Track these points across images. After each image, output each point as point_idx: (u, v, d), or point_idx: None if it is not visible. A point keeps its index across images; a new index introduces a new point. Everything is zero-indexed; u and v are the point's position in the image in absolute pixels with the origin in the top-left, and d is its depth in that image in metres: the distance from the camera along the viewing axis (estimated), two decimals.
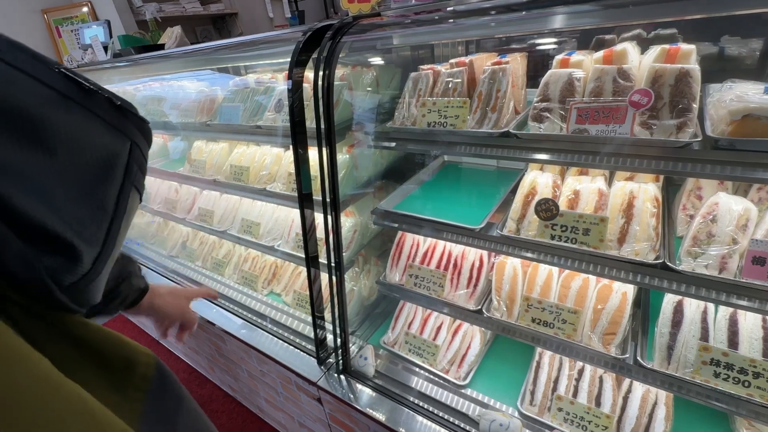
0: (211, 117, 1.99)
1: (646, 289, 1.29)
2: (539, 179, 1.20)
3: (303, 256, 1.53)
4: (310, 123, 1.32)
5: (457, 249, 1.48)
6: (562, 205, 1.14)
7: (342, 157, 1.63)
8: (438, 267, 1.46)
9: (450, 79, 1.26)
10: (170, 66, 2.32)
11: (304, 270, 2.04)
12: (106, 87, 0.56)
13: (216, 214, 2.19)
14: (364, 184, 1.72)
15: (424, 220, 1.34)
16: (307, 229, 1.51)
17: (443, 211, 1.43)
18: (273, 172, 1.84)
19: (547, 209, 1.08)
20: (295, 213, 1.88)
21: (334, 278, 1.53)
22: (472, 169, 1.76)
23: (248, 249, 2.26)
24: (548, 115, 1.06)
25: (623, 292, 1.16)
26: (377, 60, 1.75)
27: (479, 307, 1.33)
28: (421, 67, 1.41)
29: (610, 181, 1.25)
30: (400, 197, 1.57)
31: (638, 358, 1.08)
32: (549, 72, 1.08)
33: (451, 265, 1.45)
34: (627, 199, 1.08)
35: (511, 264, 1.33)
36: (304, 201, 1.44)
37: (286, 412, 2.07)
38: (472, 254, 1.43)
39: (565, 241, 1.07)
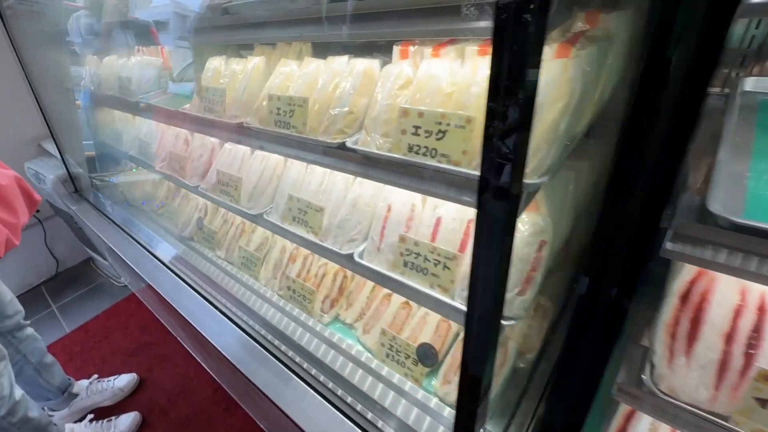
0: None
1: None
2: None
3: (413, 284, 0.64)
4: None
5: None
6: None
7: (554, 69, 0.65)
8: None
9: None
10: None
11: (395, 296, 1.15)
12: None
13: (245, 183, 1.30)
14: (580, 139, 0.75)
15: None
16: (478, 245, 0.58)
17: None
18: (359, 107, 0.89)
19: None
20: (395, 195, 0.96)
21: (479, 342, 0.62)
22: None
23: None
24: None
25: None
26: None
27: None
28: None
29: None
30: (735, 179, 0.59)
31: None
32: None
33: None
34: None
35: None
36: (482, 190, 0.50)
37: None
38: None
39: None
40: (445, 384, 1.00)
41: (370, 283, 1.25)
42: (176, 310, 1.49)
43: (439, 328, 1.06)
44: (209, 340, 1.29)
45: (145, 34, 1.73)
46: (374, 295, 1.23)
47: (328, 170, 1.13)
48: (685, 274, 0.66)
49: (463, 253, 0.84)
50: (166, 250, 1.79)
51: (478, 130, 0.67)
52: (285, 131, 0.97)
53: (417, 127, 0.72)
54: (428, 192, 0.73)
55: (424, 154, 0.72)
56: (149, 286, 1.69)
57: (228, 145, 1.42)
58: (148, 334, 2.47)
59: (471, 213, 0.86)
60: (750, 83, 0.88)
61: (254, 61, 1.15)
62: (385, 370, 1.10)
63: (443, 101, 0.74)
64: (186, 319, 1.40)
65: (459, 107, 0.72)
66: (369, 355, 1.14)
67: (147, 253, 1.81)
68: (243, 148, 1.38)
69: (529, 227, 0.79)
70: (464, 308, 0.68)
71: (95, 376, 2.08)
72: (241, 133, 1.10)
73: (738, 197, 0.54)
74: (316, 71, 0.99)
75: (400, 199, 0.95)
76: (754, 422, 0.53)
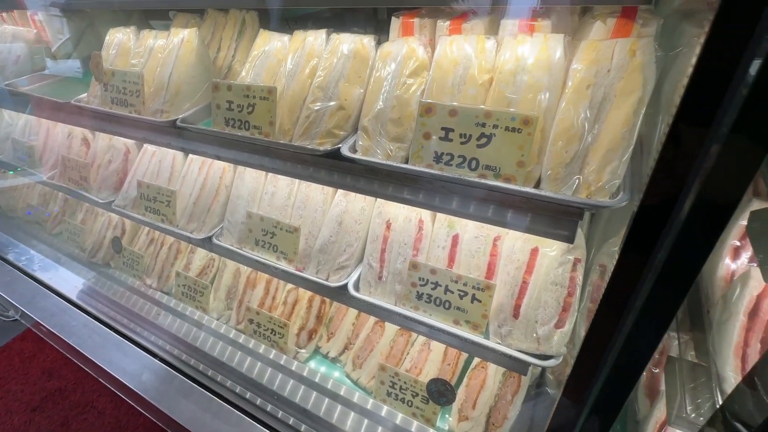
0: None
1: None
2: None
3: (432, 321, 0.51)
4: None
5: None
6: None
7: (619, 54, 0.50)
8: None
9: None
10: None
11: (391, 327, 0.96)
12: None
13: (181, 198, 1.00)
14: None
15: None
16: None
17: None
18: (351, 100, 0.67)
19: None
20: (394, 208, 0.77)
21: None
22: None
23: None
24: None
25: None
26: None
27: None
28: None
29: None
30: None
31: None
32: None
33: None
34: None
35: None
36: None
37: None
38: None
39: None
40: (463, 421, 0.86)
41: (352, 310, 1.06)
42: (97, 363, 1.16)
43: (447, 356, 0.92)
44: (169, 415, 1.01)
45: None
46: (361, 322, 1.04)
47: (298, 179, 0.89)
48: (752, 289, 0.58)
49: (492, 279, 0.69)
50: (70, 281, 1.40)
51: (538, 134, 0.50)
52: (242, 133, 0.71)
53: (448, 130, 0.54)
54: (470, 216, 0.55)
55: (459, 165, 0.54)
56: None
57: (150, 147, 1.09)
58: (58, 379, 1.99)
59: (497, 230, 0.71)
60: None
61: (182, 35, 0.85)
62: (384, 410, 0.93)
63: (478, 94, 0.56)
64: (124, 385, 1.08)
65: (502, 101, 0.54)
66: (358, 388, 0.96)
67: (43, 288, 1.39)
68: (171, 151, 1.06)
69: (557, 244, 0.66)
70: (508, 350, 0.54)
71: None
72: (174, 134, 0.81)
73: None
74: (278, 51, 0.74)
75: (402, 213, 0.76)
76: None
